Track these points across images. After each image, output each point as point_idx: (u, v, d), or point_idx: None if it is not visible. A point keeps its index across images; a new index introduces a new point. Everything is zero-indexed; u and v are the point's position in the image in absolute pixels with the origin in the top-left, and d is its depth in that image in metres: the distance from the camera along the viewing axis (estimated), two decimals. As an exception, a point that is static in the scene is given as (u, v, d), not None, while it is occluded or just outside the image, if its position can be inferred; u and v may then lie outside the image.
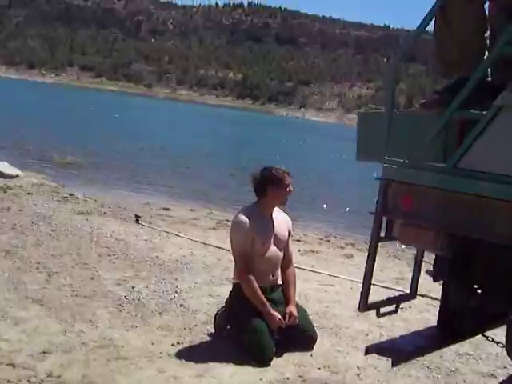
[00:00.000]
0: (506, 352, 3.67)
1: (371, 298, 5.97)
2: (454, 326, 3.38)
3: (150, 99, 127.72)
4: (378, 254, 7.96)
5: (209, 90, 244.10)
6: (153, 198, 11.56)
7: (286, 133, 57.27)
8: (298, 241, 8.68)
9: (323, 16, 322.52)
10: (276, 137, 48.10)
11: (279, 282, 4.53)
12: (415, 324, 5.41)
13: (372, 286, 6.38)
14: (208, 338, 4.44)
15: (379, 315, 3.26)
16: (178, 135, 32.36)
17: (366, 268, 3.09)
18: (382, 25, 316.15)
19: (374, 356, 4.51)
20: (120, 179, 14.18)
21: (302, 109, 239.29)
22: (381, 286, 6.61)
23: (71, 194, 9.94)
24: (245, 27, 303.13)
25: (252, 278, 4.24)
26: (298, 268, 5.44)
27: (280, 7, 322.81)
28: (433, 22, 2.88)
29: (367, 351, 3.17)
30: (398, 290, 6.53)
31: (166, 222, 8.76)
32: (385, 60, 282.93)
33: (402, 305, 5.82)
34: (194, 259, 6.58)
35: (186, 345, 4.28)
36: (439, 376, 4.26)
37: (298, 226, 9.40)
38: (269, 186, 4.30)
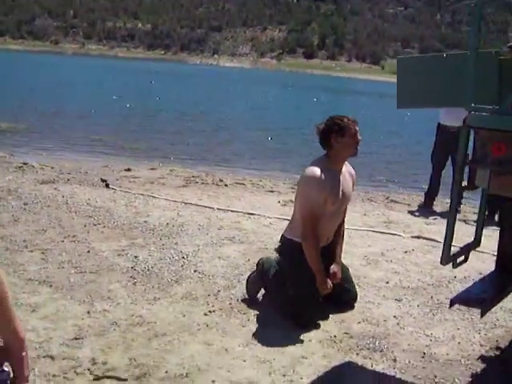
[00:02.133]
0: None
1: (364, 241, 5.98)
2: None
3: (59, 56, 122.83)
4: (352, 200, 8.00)
5: (119, 43, 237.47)
6: (108, 160, 11.11)
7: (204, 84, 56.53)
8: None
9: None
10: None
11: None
12: (424, 265, 5.45)
13: (367, 232, 6.43)
14: (238, 304, 4.25)
15: (455, 266, 3.16)
16: (96, 94, 30.95)
17: (448, 220, 2.95)
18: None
19: (404, 303, 4.50)
20: (66, 142, 13.52)
21: (215, 55, 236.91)
22: (377, 232, 6.59)
23: (25, 163, 9.39)
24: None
25: (317, 240, 3.97)
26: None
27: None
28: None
29: (452, 303, 3.06)
30: (393, 234, 6.54)
31: (135, 184, 8.40)
32: (295, 1, 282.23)
33: (405, 249, 5.89)
34: (184, 221, 6.32)
35: (218, 313, 4.09)
36: (473, 317, 4.29)
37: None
38: (332, 136, 3.93)
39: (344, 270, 4.29)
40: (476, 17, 2.84)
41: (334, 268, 4.13)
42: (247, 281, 4.38)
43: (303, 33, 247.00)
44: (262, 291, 4.40)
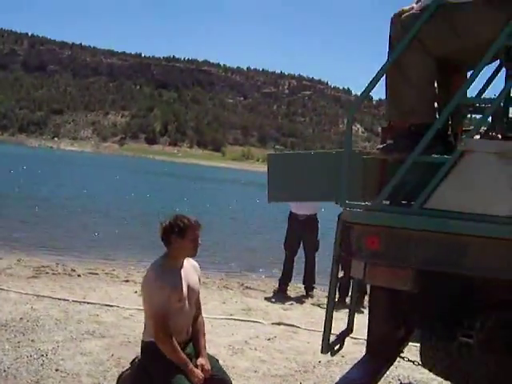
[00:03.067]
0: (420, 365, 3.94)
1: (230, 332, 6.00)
2: (385, 352, 3.50)
3: None
4: (208, 290, 8.01)
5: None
6: None
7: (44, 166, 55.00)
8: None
9: (73, 43, 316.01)
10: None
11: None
12: (288, 352, 5.56)
13: (228, 321, 6.46)
14: (106, 404, 4.07)
15: (333, 353, 3.26)
16: None
17: (326, 309, 3.06)
18: (133, 52, 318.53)
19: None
20: None
21: (56, 138, 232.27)
22: (238, 320, 6.63)
23: None
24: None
25: (171, 337, 3.92)
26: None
27: (27, 33, 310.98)
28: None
29: (331, 394, 3.15)
30: (255, 321, 6.62)
31: (-21, 275, 7.88)
32: (138, 87, 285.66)
33: (268, 336, 5.99)
34: (39, 315, 5.98)
35: (86, 415, 3.88)
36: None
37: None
38: (172, 237, 4.01)
39: (212, 360, 4.26)
40: (349, 119, 3.08)
41: (200, 361, 4.04)
42: (118, 379, 4.19)
43: (146, 118, 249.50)
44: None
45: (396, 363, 5.11)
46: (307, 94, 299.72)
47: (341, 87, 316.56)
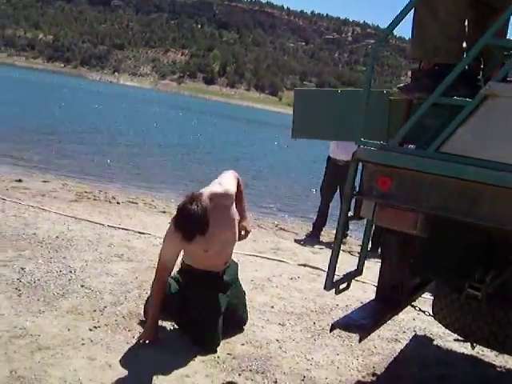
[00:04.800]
0: (431, 317, 3.98)
1: (259, 269, 6.11)
2: (394, 298, 3.53)
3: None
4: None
5: (18, 51, 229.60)
6: (-1, 169, 10.73)
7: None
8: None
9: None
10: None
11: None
12: (308, 293, 5.62)
13: (255, 258, 6.57)
14: (124, 321, 4.25)
15: (338, 292, 3.32)
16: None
17: (333, 247, 3.11)
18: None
19: (287, 328, 4.65)
20: None
21: (116, 73, 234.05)
22: (265, 258, 6.74)
23: None
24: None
25: (162, 288, 4.02)
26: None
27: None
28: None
29: (332, 328, 3.21)
30: (281, 261, 6.72)
31: (25, 195, 8.18)
32: (199, 26, 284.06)
33: (291, 276, 6.07)
34: (74, 235, 6.22)
35: (104, 328, 4.06)
36: (352, 344, 4.48)
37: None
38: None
39: (240, 295, 4.44)
40: (371, 59, 3.05)
41: (244, 225, 4.34)
42: (146, 302, 4.36)
43: (205, 58, 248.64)
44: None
45: (415, 315, 5.19)
46: (371, 43, 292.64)
47: (406, 37, 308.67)
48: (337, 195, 8.61)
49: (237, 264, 4.57)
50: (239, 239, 4.30)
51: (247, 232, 4.35)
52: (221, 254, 4.21)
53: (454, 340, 4.58)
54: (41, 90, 51.07)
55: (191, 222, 3.70)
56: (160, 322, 4.19)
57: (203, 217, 3.71)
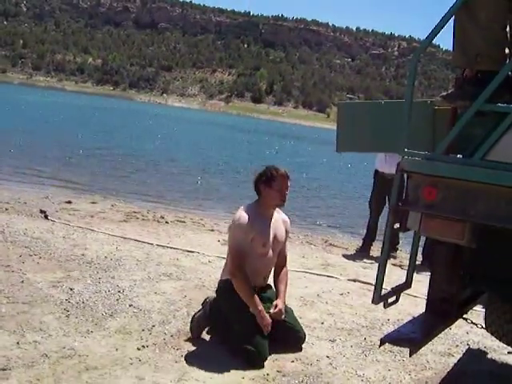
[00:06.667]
0: (483, 329, 3.85)
1: (310, 286, 6.04)
2: (445, 311, 3.42)
3: (4, 85, 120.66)
4: (291, 244, 8.05)
5: (67, 76, 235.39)
6: (49, 191, 10.94)
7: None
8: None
9: (184, 0, 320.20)
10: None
11: (269, 283, 4.47)
12: (359, 308, 5.53)
13: (305, 274, 6.49)
14: (172, 340, 4.23)
15: (386, 306, 3.25)
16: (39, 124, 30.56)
17: (380, 261, 3.04)
18: (242, 11, 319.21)
19: (338, 344, 4.56)
20: (3, 171, 13.22)
21: (164, 94, 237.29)
22: (314, 274, 6.67)
23: (-45, 193, 9.19)
24: (103, 10, 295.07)
25: (246, 274, 4.09)
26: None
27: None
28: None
29: (382, 343, 3.13)
30: (330, 276, 6.63)
31: (74, 217, 8.31)
32: (245, 46, 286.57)
33: (341, 291, 5.98)
34: (122, 255, 6.27)
35: (152, 348, 4.05)
36: (404, 359, 4.37)
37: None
38: (261, 185, 4.18)
39: (288, 308, 4.40)
40: (412, 68, 2.98)
41: (277, 302, 4.25)
42: (192, 319, 4.36)
43: (252, 77, 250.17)
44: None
45: (468, 329, 5.06)
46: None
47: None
48: (386, 208, 8.47)
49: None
50: (271, 315, 4.17)
51: (279, 310, 4.23)
52: (265, 265, 4.27)
53: (508, 353, 4.42)
54: (92, 114, 52.04)
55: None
56: (206, 339, 4.17)
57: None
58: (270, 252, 4.28)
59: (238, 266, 4.09)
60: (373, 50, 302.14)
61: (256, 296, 4.09)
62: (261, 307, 4.06)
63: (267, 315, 4.09)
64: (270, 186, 4.14)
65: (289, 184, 4.23)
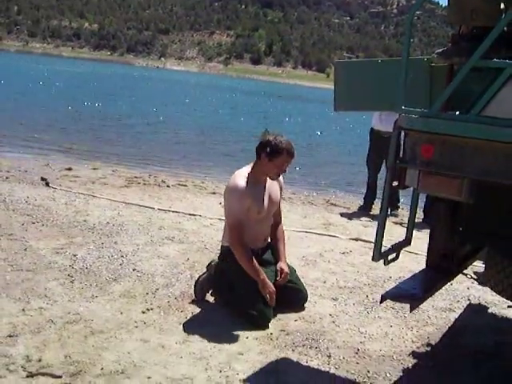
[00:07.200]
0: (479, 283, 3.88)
1: (310, 244, 6.07)
2: (445, 267, 3.45)
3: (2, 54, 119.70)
4: (292, 204, 8.07)
5: (64, 42, 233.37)
6: (49, 158, 10.94)
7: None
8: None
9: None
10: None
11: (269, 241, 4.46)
12: (361, 266, 5.56)
13: (306, 234, 6.52)
14: (176, 302, 4.27)
15: (386, 263, 3.26)
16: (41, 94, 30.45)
17: (379, 218, 3.05)
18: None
19: (340, 302, 4.61)
20: (3, 139, 13.18)
21: (162, 58, 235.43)
22: (316, 233, 6.70)
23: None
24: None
25: (245, 245, 4.08)
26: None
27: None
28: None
29: (382, 299, 3.16)
30: (332, 236, 6.66)
31: (75, 183, 8.32)
32: (243, 7, 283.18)
33: (343, 250, 6.01)
34: (124, 220, 6.29)
35: (156, 311, 4.09)
36: (405, 315, 4.41)
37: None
38: (262, 154, 4.07)
39: (291, 269, 4.42)
40: (408, 25, 2.95)
41: (280, 265, 4.29)
42: (196, 282, 4.39)
43: (250, 38, 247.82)
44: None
45: (469, 284, 5.10)
46: (417, 15, 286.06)
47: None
48: (384, 166, 8.47)
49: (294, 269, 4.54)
50: (277, 281, 4.20)
51: (285, 275, 4.26)
52: (263, 229, 4.29)
53: (508, 307, 4.47)
54: (92, 81, 51.68)
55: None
56: (210, 301, 4.22)
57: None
58: (267, 215, 4.27)
59: (237, 238, 4.06)
60: (372, 9, 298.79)
61: (257, 265, 4.05)
62: (263, 276, 4.05)
63: (270, 283, 4.09)
64: (271, 159, 4.03)
65: (289, 163, 4.15)
